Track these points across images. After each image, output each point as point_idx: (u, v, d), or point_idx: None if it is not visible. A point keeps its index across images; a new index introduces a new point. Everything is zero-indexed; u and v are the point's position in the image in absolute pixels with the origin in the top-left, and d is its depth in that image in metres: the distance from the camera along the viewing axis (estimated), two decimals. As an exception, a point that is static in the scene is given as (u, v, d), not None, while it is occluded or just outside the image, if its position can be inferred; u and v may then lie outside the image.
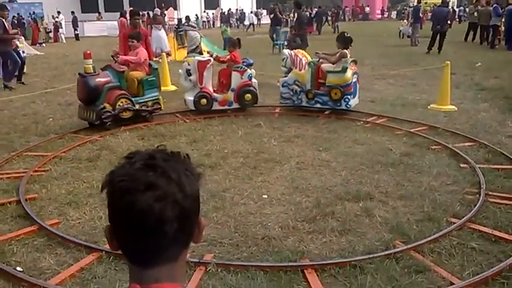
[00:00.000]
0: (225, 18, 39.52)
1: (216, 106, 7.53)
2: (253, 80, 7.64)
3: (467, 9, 26.59)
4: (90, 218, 3.96)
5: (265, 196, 4.38)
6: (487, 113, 7.31)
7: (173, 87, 10.10)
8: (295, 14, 12.67)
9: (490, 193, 4.25)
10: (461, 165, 5.04)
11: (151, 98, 7.14)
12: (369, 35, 24.82)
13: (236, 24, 41.52)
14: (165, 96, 9.17)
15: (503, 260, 3.17)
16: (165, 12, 18.82)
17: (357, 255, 3.31)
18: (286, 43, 17.81)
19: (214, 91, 7.56)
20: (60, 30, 27.93)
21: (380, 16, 47.09)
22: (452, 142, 5.79)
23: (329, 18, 33.65)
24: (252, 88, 7.61)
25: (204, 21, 41.91)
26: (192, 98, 7.42)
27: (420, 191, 4.41)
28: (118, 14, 18.96)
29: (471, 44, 18.67)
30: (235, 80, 7.55)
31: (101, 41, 18.56)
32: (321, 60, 7.52)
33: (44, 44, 24.13)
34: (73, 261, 3.29)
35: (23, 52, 14.18)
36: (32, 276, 3.09)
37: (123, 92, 6.81)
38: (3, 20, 10.47)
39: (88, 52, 6.86)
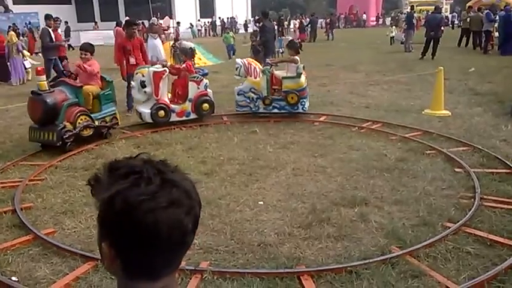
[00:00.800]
0: (228, 25, 39.63)
1: (173, 117, 7.34)
2: (209, 89, 7.61)
3: (460, 15, 26.79)
4: (85, 226, 3.96)
5: (261, 203, 4.38)
6: (481, 118, 7.36)
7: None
8: (261, 23, 12.77)
9: (485, 197, 4.27)
10: (456, 169, 5.06)
11: (109, 113, 6.74)
12: (363, 41, 25.01)
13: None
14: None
15: (498, 263, 3.19)
16: (161, 21, 18.85)
17: (352, 261, 3.32)
18: (281, 50, 17.95)
19: (170, 102, 7.38)
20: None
21: (374, 23, 47.39)
22: (447, 147, 5.83)
23: (323, 25, 33.89)
24: (208, 98, 7.55)
25: (199, 30, 42.07)
26: (149, 111, 7.15)
27: (415, 195, 4.43)
28: (114, 23, 19.05)
29: (464, 49, 18.81)
30: (192, 90, 7.43)
31: (97, 50, 18.40)
32: (272, 68, 7.95)
33: (39, 54, 24.07)
34: (69, 270, 3.28)
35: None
36: (28, 286, 3.08)
37: (82, 108, 6.31)
38: (49, 29, 10.90)
39: (40, 68, 6.39)
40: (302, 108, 7.65)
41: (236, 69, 7.74)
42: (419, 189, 4.56)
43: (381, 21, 47.79)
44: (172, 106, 7.33)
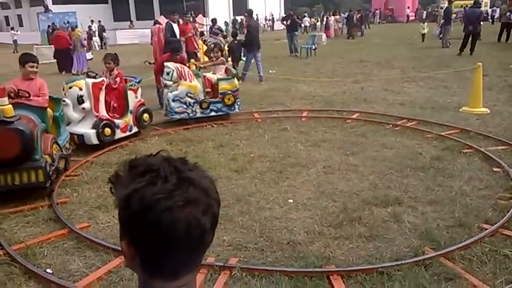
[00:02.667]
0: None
1: (118, 134, 6.44)
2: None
3: (500, 10, 25.75)
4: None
5: (291, 201, 4.35)
6: (522, 115, 7.07)
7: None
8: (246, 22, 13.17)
9: (525, 198, 4.09)
10: (494, 169, 4.88)
11: (67, 137, 5.75)
12: (398, 37, 24.49)
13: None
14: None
15: (538, 268, 3.05)
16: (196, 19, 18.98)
17: (384, 262, 3.24)
18: (314, 47, 17.80)
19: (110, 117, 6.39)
20: (93, 38, 28.71)
21: (413, 17, 46.15)
22: (485, 145, 5.62)
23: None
24: (147, 107, 7.03)
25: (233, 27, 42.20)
26: (93, 131, 6.08)
27: (451, 195, 4.29)
28: (148, 22, 19.36)
29: (504, 44, 18.11)
30: (132, 100, 6.69)
31: (132, 48, 18.99)
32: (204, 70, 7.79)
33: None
34: (101, 263, 3.35)
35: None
36: (61, 279, 3.16)
37: (52, 135, 5.07)
38: (172, 23, 11.23)
39: (1, 88, 4.43)
40: (238, 108, 7.70)
41: (167, 73, 7.16)
42: (455, 189, 4.42)
43: (412, 16, 46.41)
44: (116, 121, 6.42)
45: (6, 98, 4.40)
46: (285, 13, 53.34)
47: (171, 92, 7.25)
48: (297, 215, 4.05)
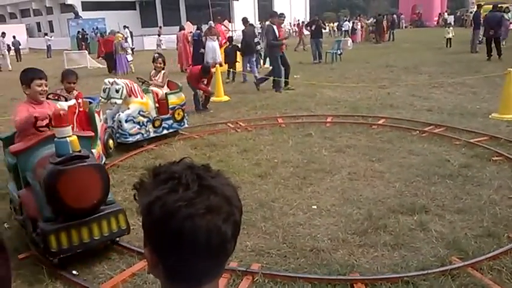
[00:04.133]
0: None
1: None
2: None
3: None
4: (143, 225, 4.07)
5: (315, 207, 4.32)
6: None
7: (226, 98, 10.26)
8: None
9: (558, 208, 3.95)
10: (526, 178, 4.73)
11: None
12: (426, 42, 24.09)
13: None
14: (217, 106, 9.39)
15: None
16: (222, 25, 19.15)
17: (410, 271, 3.18)
18: (340, 52, 17.69)
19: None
20: (125, 44, 29.24)
21: (435, 22, 45.33)
22: (516, 153, 5.46)
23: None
24: (109, 130, 6.32)
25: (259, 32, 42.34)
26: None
27: (479, 204, 4.18)
28: (175, 28, 19.68)
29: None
30: (98, 125, 5.74)
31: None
32: (151, 86, 7.13)
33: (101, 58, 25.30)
34: (126, 266, 3.39)
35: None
36: (86, 280, 3.22)
37: None
38: (274, 26, 11.31)
39: (62, 113, 3.35)
40: (186, 123, 7.27)
41: (117, 91, 6.23)
42: (484, 198, 4.30)
43: (437, 20, 45.48)
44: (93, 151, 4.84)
45: (70, 127, 3.36)
46: (310, 18, 53.33)
47: (122, 112, 6.42)
48: (321, 222, 4.02)
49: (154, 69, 7.48)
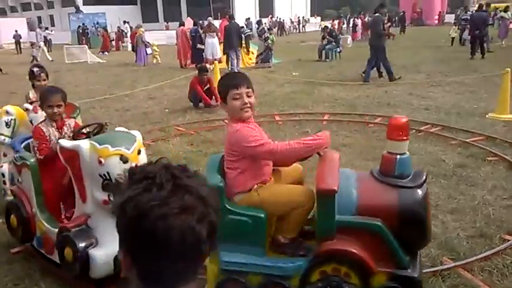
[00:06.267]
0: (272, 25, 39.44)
1: None
2: None
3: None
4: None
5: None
6: (552, 124, 6.84)
7: (224, 94, 10.25)
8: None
9: (551, 209, 3.96)
10: (520, 178, 4.73)
11: None
12: (426, 40, 24.05)
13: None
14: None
15: (562, 282, 2.94)
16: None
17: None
18: (339, 50, 17.67)
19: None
20: (125, 39, 29.29)
21: (436, 21, 45.25)
22: (511, 154, 5.46)
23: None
24: None
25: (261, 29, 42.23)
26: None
27: (473, 205, 4.19)
28: (176, 23, 19.76)
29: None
30: None
31: (160, 49, 19.51)
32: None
33: (106, 52, 25.32)
34: (118, 263, 3.39)
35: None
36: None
37: None
38: (383, 17, 11.72)
39: None
40: None
41: (7, 124, 4.14)
42: (478, 198, 4.31)
43: (438, 19, 45.42)
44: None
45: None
46: (311, 15, 53.23)
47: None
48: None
49: (33, 87, 4.64)
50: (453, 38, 20.91)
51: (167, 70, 15.84)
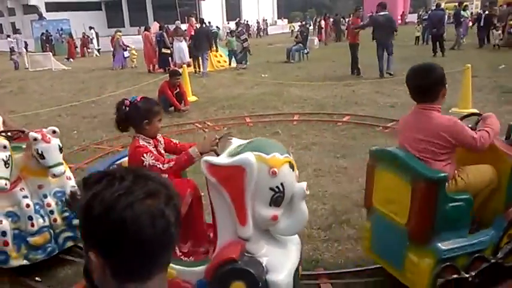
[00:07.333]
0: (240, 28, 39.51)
1: None
2: None
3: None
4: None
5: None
6: (510, 116, 7.12)
7: (194, 98, 10.22)
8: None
9: None
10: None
11: None
12: (391, 40, 24.52)
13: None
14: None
15: None
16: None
17: (373, 264, 3.23)
18: (306, 51, 17.88)
19: None
20: (91, 45, 28.79)
21: (400, 21, 46.32)
22: (474, 146, 5.66)
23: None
24: None
25: (227, 33, 42.26)
26: None
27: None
28: (141, 28, 19.66)
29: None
30: None
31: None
32: None
33: (71, 59, 24.81)
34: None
35: None
36: (50, 287, 3.16)
37: None
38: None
39: None
40: None
41: (5, 163, 3.14)
42: (444, 190, 4.45)
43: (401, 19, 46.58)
44: None
45: None
46: (278, 17, 53.59)
47: None
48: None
49: None
50: (417, 37, 21.49)
51: (135, 75, 15.68)
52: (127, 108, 2.78)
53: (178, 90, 8.90)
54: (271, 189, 2.33)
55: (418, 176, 2.59)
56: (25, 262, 3.19)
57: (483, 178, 2.82)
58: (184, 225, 2.79)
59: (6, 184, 3.00)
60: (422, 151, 2.73)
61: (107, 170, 0.90)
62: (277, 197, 2.34)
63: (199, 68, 14.56)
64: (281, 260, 2.46)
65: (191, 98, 10.19)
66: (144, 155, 2.67)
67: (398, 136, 3.03)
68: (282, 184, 2.33)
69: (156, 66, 16.14)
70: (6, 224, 3.08)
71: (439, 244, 2.61)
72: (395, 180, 2.78)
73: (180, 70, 10.82)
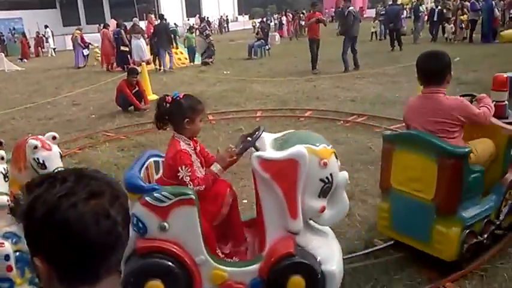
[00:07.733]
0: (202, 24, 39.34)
1: None
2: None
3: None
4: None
5: (245, 201, 4.35)
6: (465, 107, 7.38)
7: (154, 96, 10.03)
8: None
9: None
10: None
11: None
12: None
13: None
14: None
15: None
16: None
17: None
18: (268, 47, 17.94)
19: None
20: (46, 44, 27.86)
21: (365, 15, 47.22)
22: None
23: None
24: None
25: (187, 29, 41.86)
26: None
27: (399, 187, 4.42)
28: (100, 25, 19.23)
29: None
30: None
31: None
32: None
33: (25, 60, 23.94)
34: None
35: None
36: None
37: None
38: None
39: None
40: None
41: (5, 177, 2.72)
42: (403, 181, 4.55)
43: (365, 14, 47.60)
44: None
45: None
46: (239, 14, 53.54)
47: None
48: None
49: None
50: (373, 33, 21.88)
51: (92, 74, 15.28)
52: (168, 105, 2.68)
53: (137, 88, 8.73)
54: (321, 180, 2.40)
55: (445, 152, 2.80)
56: None
57: (489, 151, 3.17)
58: (225, 226, 2.84)
59: (8, 200, 2.51)
60: (438, 132, 2.93)
61: (49, 174, 0.86)
62: (326, 188, 2.42)
63: (160, 66, 14.30)
64: (330, 251, 2.58)
65: (151, 96, 10.00)
66: (183, 166, 2.57)
67: (407, 122, 3.27)
68: (331, 175, 2.42)
69: (114, 65, 15.80)
70: (9, 247, 2.64)
71: (463, 213, 2.89)
72: (418, 160, 2.96)
73: (139, 68, 10.63)
